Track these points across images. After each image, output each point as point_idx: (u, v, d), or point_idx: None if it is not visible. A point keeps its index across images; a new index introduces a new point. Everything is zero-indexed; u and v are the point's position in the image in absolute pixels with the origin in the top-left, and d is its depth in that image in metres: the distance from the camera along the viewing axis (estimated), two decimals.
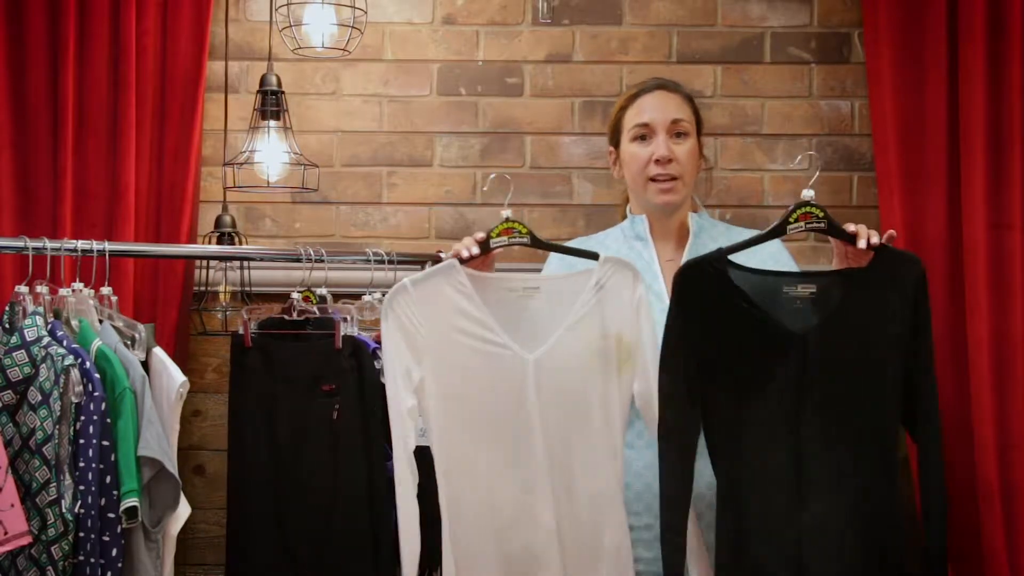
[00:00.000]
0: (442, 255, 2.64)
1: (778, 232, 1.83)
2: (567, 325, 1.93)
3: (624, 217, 2.33)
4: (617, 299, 1.95)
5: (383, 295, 2.44)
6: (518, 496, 1.91)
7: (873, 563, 1.81)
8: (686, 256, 2.16)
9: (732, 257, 1.85)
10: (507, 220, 1.97)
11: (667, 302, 2.11)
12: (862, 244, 1.84)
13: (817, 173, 1.93)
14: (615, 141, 2.26)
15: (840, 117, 2.87)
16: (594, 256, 1.97)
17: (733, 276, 1.81)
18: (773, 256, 2.17)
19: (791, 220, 1.82)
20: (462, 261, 1.94)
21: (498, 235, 1.97)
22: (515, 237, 1.97)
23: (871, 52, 2.71)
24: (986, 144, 2.57)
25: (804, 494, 1.79)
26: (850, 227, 1.88)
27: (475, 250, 1.94)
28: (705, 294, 1.80)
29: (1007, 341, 2.54)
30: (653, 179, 2.17)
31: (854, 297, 1.79)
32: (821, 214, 1.81)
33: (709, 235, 2.20)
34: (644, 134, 2.18)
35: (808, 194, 1.85)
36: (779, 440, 1.80)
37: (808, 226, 1.81)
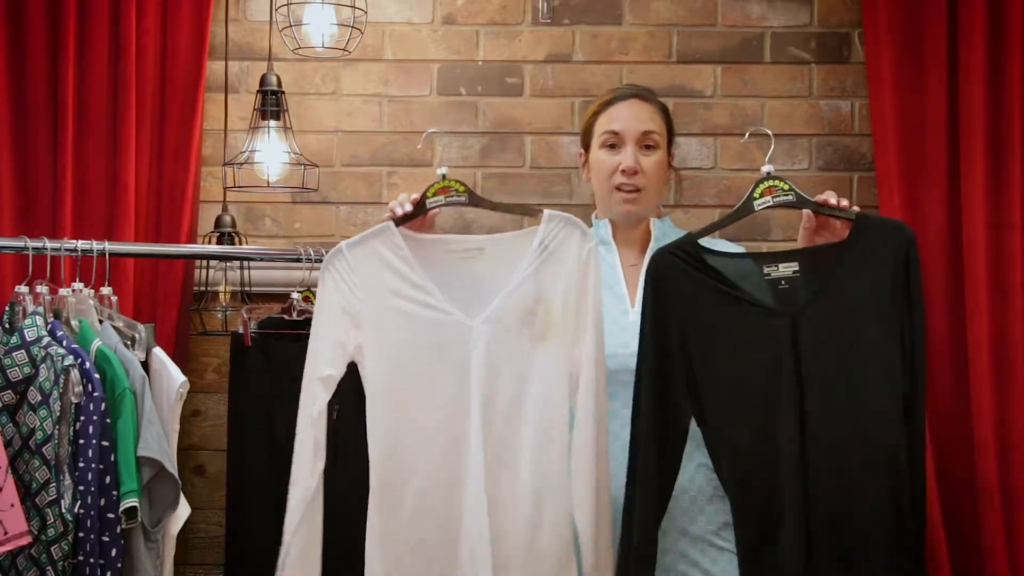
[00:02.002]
0: None
1: (746, 210, 1.76)
2: (509, 288, 1.85)
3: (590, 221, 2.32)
4: (560, 261, 1.86)
5: None
6: (452, 467, 1.84)
7: (882, 536, 1.74)
8: (646, 259, 2.15)
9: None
10: (444, 179, 1.88)
11: (628, 305, 2.12)
12: (832, 200, 1.81)
13: (772, 147, 1.88)
14: (586, 144, 2.27)
15: (840, 117, 2.87)
16: (536, 213, 1.89)
17: (709, 260, 1.74)
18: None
19: (756, 196, 1.76)
20: (397, 222, 1.87)
21: (434, 194, 1.88)
22: (452, 196, 1.88)
23: (871, 52, 2.70)
24: (986, 144, 2.57)
25: (808, 477, 1.73)
26: (818, 197, 1.85)
27: (408, 207, 1.87)
28: (682, 280, 1.73)
29: (1007, 341, 2.54)
30: (618, 188, 2.17)
31: (840, 272, 1.72)
32: (787, 187, 1.75)
33: (670, 240, 2.21)
34: (614, 142, 2.18)
35: (768, 168, 1.80)
36: (779, 427, 1.72)
37: (776, 200, 1.76)
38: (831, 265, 1.71)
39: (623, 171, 2.15)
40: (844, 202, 1.87)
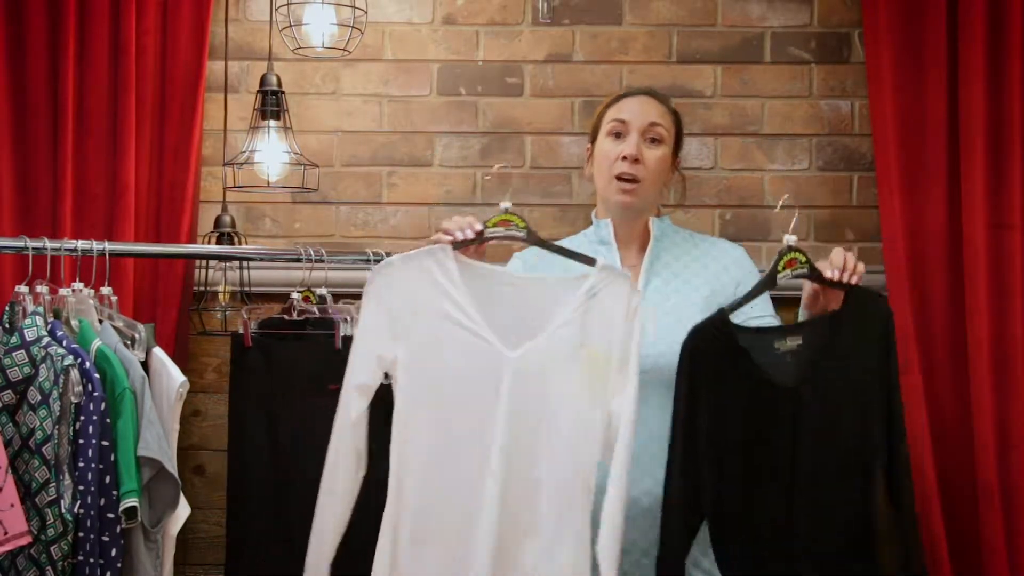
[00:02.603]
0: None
1: (770, 284, 1.87)
2: (552, 328, 1.86)
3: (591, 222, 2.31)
4: (607, 311, 1.87)
5: None
6: (468, 490, 1.83)
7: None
8: (646, 259, 2.15)
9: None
10: (506, 212, 1.90)
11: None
12: (837, 276, 1.88)
13: (796, 216, 1.94)
14: (593, 138, 2.25)
15: (840, 117, 2.87)
16: (591, 261, 1.90)
17: (738, 337, 1.84)
18: (737, 261, 2.18)
19: (780, 269, 1.86)
20: (455, 245, 1.88)
21: (494, 225, 1.89)
22: (512, 230, 1.89)
23: (871, 52, 2.70)
24: (986, 144, 2.57)
25: (795, 532, 1.86)
26: (826, 272, 1.90)
27: (470, 234, 1.88)
28: (718, 361, 1.82)
29: (1007, 341, 2.54)
30: (618, 177, 2.14)
31: (835, 342, 1.86)
32: (804, 259, 1.86)
33: (670, 240, 2.20)
34: (620, 131, 2.16)
35: (790, 239, 1.86)
36: (774, 493, 1.85)
37: (795, 273, 1.86)
38: (829, 335, 1.87)
39: (624, 158, 2.13)
40: (851, 261, 1.90)
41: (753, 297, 1.88)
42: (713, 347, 1.82)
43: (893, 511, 1.88)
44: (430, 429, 1.86)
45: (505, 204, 1.91)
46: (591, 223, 2.25)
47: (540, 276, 1.97)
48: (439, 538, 1.85)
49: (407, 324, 1.85)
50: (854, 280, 1.89)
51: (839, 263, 1.89)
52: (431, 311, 1.85)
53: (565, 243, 2.23)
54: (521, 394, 1.84)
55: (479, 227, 1.89)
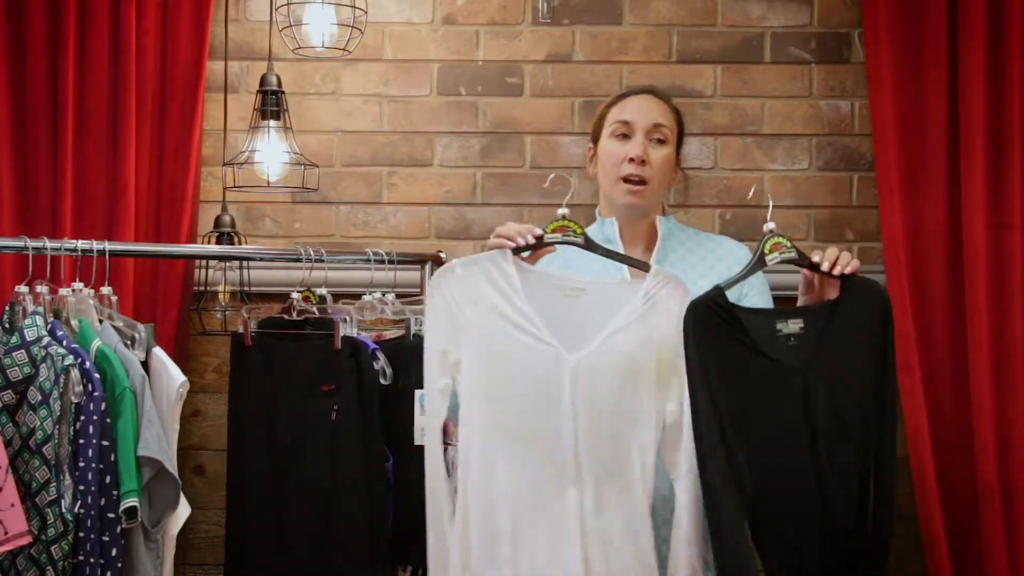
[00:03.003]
0: (442, 255, 2.65)
1: (760, 264, 1.90)
2: (610, 331, 1.90)
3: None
4: (665, 314, 1.91)
5: (383, 295, 2.45)
6: (539, 493, 1.88)
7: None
8: (653, 258, 2.15)
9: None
10: (563, 218, 1.93)
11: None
12: (826, 267, 1.90)
13: (771, 206, 1.94)
14: (595, 138, 2.26)
15: (840, 117, 2.87)
16: (645, 267, 1.94)
17: (737, 314, 1.86)
18: (740, 262, 2.16)
19: (767, 252, 1.90)
20: (515, 251, 1.91)
21: (552, 231, 1.93)
22: (569, 236, 1.93)
23: (871, 52, 2.70)
24: (986, 144, 2.57)
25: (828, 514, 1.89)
26: (815, 256, 1.91)
27: (531, 239, 1.90)
28: (718, 335, 1.84)
29: (1007, 341, 2.55)
30: (624, 179, 2.15)
31: (834, 328, 1.89)
32: (789, 244, 1.90)
33: (677, 239, 2.21)
34: (624, 132, 2.16)
35: (770, 226, 1.90)
36: (801, 473, 1.87)
37: (782, 256, 1.89)
38: (829, 322, 1.90)
39: (631, 159, 2.13)
40: (845, 257, 1.91)
41: (747, 276, 1.90)
42: (714, 319, 1.84)
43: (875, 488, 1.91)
44: (493, 431, 1.89)
45: (562, 211, 1.94)
46: (588, 223, 2.25)
47: (597, 281, 2.00)
48: (512, 535, 1.88)
49: (468, 328, 1.89)
50: (847, 271, 1.90)
51: (831, 255, 1.91)
52: (492, 315, 1.89)
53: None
54: (581, 397, 1.87)
55: (539, 232, 1.92)
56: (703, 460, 1.85)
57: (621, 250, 2.16)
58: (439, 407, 1.91)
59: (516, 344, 1.88)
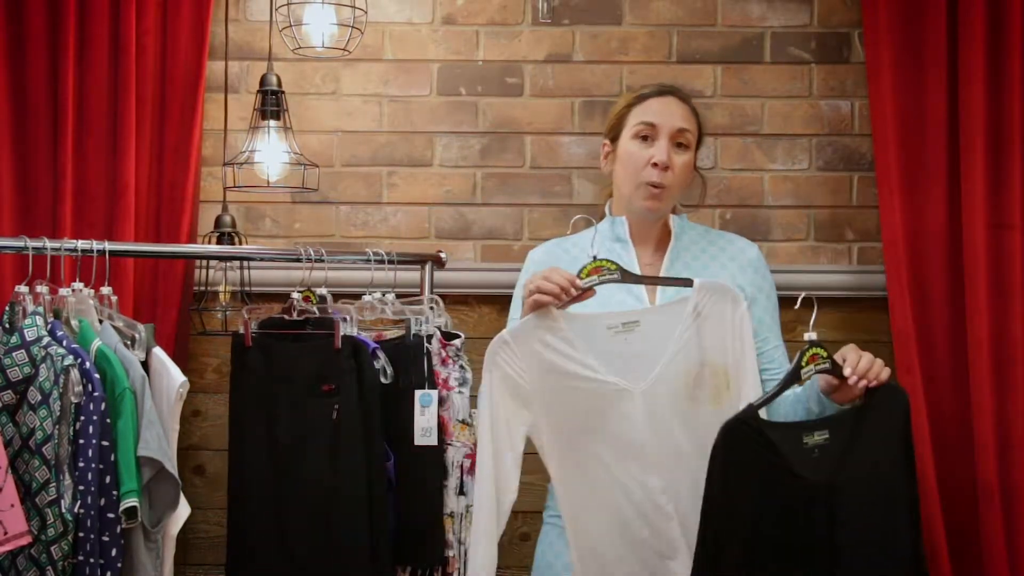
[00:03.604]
0: (442, 255, 2.65)
1: (794, 379, 1.91)
2: (668, 356, 1.93)
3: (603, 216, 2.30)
4: (717, 325, 1.94)
5: (383, 295, 2.45)
6: (641, 533, 1.93)
7: None
8: (667, 258, 2.15)
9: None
10: (595, 259, 1.95)
11: (646, 303, 2.11)
12: (853, 381, 1.89)
13: (815, 312, 1.95)
14: (613, 136, 2.23)
15: (840, 117, 2.87)
16: (688, 283, 1.96)
17: (767, 432, 1.87)
18: (752, 263, 2.17)
19: (803, 364, 1.91)
20: (559, 306, 1.93)
21: (587, 275, 1.95)
22: (604, 275, 1.95)
23: (871, 52, 2.70)
24: (986, 144, 2.57)
25: None
26: (846, 370, 1.90)
27: (574, 293, 1.93)
28: (750, 461, 1.86)
29: (1007, 341, 2.54)
30: (646, 183, 2.13)
31: (860, 437, 1.91)
32: (825, 355, 1.91)
33: (689, 238, 2.20)
34: (647, 134, 2.14)
35: (811, 335, 1.91)
36: None
37: (817, 368, 1.91)
38: (854, 430, 1.91)
39: (655, 164, 2.11)
40: (876, 368, 1.90)
41: (781, 391, 1.91)
42: (745, 447, 1.85)
43: None
44: (586, 482, 1.94)
45: (593, 252, 1.96)
46: (588, 263, 2.24)
47: (643, 310, 2.04)
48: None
49: (533, 391, 1.93)
50: (873, 385, 1.91)
51: (862, 369, 1.89)
52: (552, 372, 1.94)
53: (575, 238, 2.24)
54: (658, 425, 1.92)
55: (580, 284, 1.93)
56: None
57: (631, 249, 2.17)
58: (512, 479, 1.94)
59: (583, 393, 1.92)
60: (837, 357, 1.92)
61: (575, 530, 1.96)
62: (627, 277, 1.97)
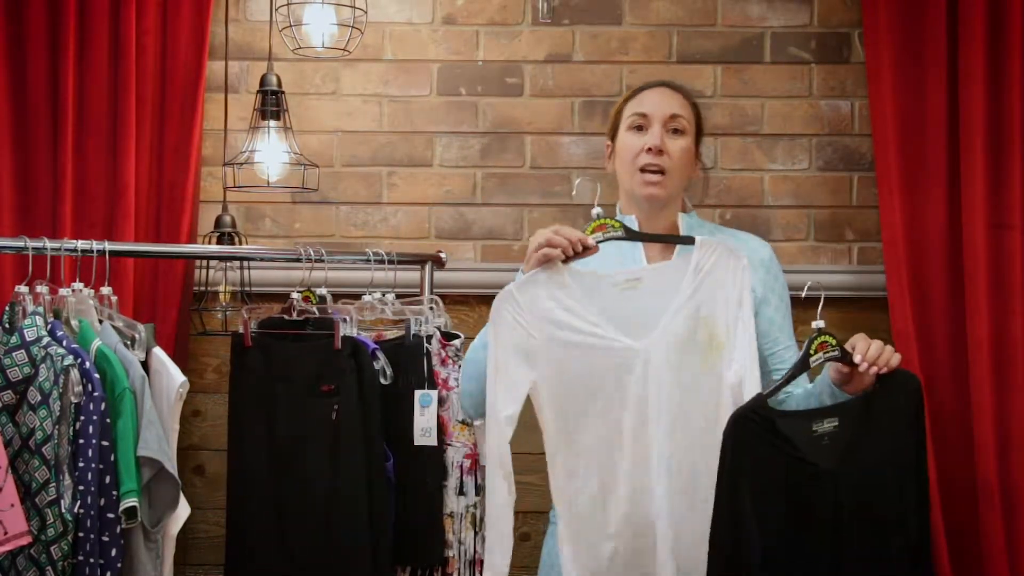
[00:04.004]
0: (442, 255, 2.65)
1: (803, 367, 1.91)
2: (671, 313, 1.94)
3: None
4: (717, 285, 1.95)
5: (383, 295, 2.45)
6: (633, 495, 1.92)
7: None
8: (676, 255, 2.15)
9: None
10: (599, 217, 1.96)
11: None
12: (863, 368, 1.89)
13: (821, 300, 1.94)
14: (613, 134, 2.24)
15: (840, 117, 2.87)
16: (690, 240, 1.97)
17: (777, 421, 1.87)
18: (764, 264, 2.16)
19: (812, 352, 1.90)
20: (566, 260, 1.94)
21: (592, 232, 1.96)
22: (609, 232, 1.96)
23: (871, 52, 2.70)
24: (986, 144, 2.57)
25: None
26: (856, 357, 1.89)
27: (580, 248, 1.93)
28: (759, 450, 1.85)
29: (1007, 341, 2.54)
30: (642, 169, 2.12)
31: (869, 423, 1.90)
32: (834, 342, 1.91)
33: (698, 235, 2.19)
34: (641, 124, 2.14)
35: (819, 323, 1.90)
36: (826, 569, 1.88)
37: (826, 355, 1.91)
38: (863, 418, 1.90)
39: (648, 150, 2.11)
40: (886, 355, 1.90)
41: (790, 380, 1.92)
42: (754, 436, 1.85)
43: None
44: (581, 436, 1.93)
45: (596, 211, 1.97)
46: (592, 221, 2.24)
47: (647, 267, 2.05)
48: (608, 531, 1.93)
49: (537, 346, 1.93)
50: (885, 371, 1.90)
51: (872, 356, 1.89)
52: (558, 327, 1.93)
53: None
54: (662, 379, 1.92)
55: (587, 239, 1.94)
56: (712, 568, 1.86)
57: (640, 246, 2.16)
58: (504, 437, 1.92)
59: (588, 350, 1.92)
60: (847, 345, 1.92)
61: (562, 496, 1.94)
62: (631, 235, 1.99)
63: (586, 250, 1.94)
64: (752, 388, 1.92)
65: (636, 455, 1.92)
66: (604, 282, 1.96)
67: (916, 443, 1.92)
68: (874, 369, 1.89)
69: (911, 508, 1.91)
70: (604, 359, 1.92)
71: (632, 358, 1.92)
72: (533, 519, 2.74)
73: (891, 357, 1.90)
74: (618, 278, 1.97)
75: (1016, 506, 2.52)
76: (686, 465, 1.91)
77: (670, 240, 2.05)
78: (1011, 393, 2.54)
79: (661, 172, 2.12)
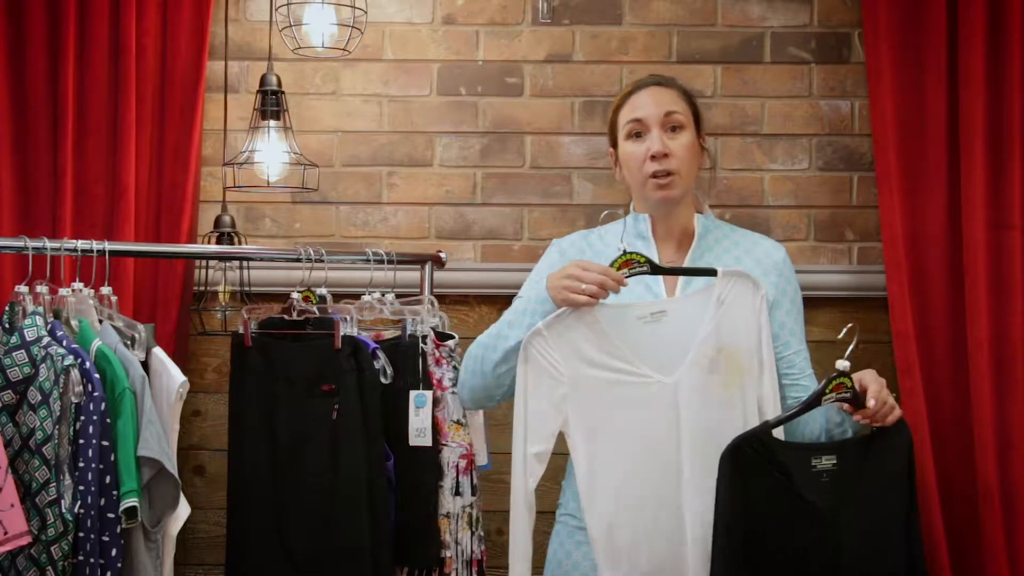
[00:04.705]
0: (442, 255, 2.65)
1: (814, 404, 1.92)
2: (697, 345, 1.96)
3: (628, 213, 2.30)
4: (738, 312, 1.98)
5: (383, 295, 2.45)
6: (669, 523, 1.94)
7: None
8: (689, 257, 2.14)
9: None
10: (625, 253, 1.99)
11: (662, 297, 2.11)
12: (859, 419, 1.93)
13: (854, 341, 1.97)
14: (613, 141, 2.23)
15: (840, 117, 2.87)
16: (712, 272, 1.99)
17: (777, 453, 1.89)
18: (777, 267, 2.15)
19: (826, 392, 1.92)
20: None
21: (618, 268, 1.98)
22: (635, 268, 1.99)
23: (871, 52, 2.70)
24: (986, 144, 2.57)
25: None
26: (871, 402, 1.92)
27: (614, 287, 1.95)
28: (754, 477, 1.87)
29: (1007, 341, 2.54)
30: (651, 176, 2.11)
31: (866, 466, 1.93)
32: (850, 384, 1.93)
33: (714, 237, 2.18)
34: (638, 130, 2.14)
35: (843, 365, 1.92)
36: None
37: (839, 396, 1.92)
38: (861, 458, 1.94)
39: (652, 157, 2.11)
40: (885, 411, 1.94)
41: (799, 414, 1.92)
42: (753, 466, 1.87)
43: None
44: (617, 475, 1.96)
45: (622, 246, 2.00)
46: (588, 224, 2.24)
47: (671, 300, 2.07)
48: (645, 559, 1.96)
49: (568, 384, 1.96)
50: (885, 424, 1.95)
51: (870, 413, 1.92)
52: (587, 364, 1.96)
53: (600, 231, 2.25)
54: (688, 414, 1.94)
55: (626, 282, 1.97)
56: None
57: (653, 246, 2.17)
58: (534, 471, 1.97)
59: (617, 385, 1.95)
60: (858, 382, 1.94)
61: (596, 521, 1.97)
62: (656, 270, 2.01)
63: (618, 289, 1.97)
64: (773, 413, 1.95)
65: (667, 487, 1.94)
66: (630, 315, 1.99)
67: (909, 496, 1.95)
68: (866, 421, 1.94)
69: (900, 560, 1.93)
70: (636, 394, 1.95)
71: (663, 392, 1.95)
72: (537, 520, 2.74)
73: (887, 416, 1.94)
74: (643, 311, 2.00)
75: (1016, 506, 2.52)
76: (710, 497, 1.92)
77: (693, 273, 2.06)
78: (1011, 393, 2.53)
79: (669, 173, 2.11)
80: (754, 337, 1.98)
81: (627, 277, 1.97)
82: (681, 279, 2.12)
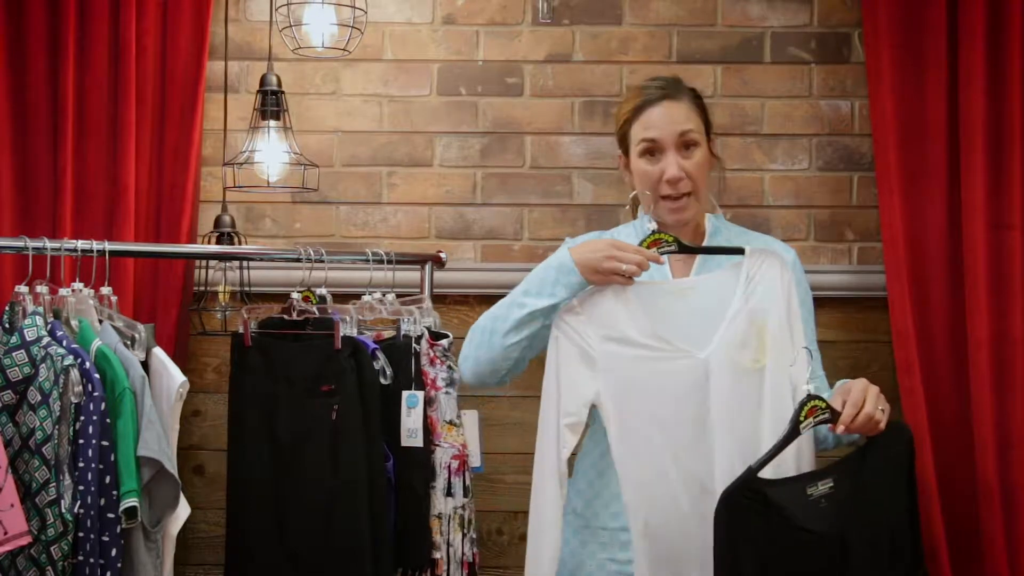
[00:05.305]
0: (442, 255, 2.65)
1: (793, 436, 1.89)
2: (727, 321, 1.97)
3: (635, 212, 2.29)
4: (767, 288, 1.99)
5: (383, 295, 2.45)
6: (698, 498, 1.94)
7: None
8: (698, 259, 2.13)
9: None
10: (654, 232, 2.02)
11: (668, 277, 2.12)
12: (840, 430, 1.90)
13: (812, 360, 1.95)
14: (624, 149, 2.21)
15: (840, 117, 2.87)
16: (740, 251, 2.01)
17: (769, 493, 1.86)
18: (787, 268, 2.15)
19: (802, 419, 1.89)
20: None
21: (647, 246, 2.01)
22: (663, 247, 2.02)
23: (871, 52, 2.70)
24: (986, 144, 2.57)
25: None
26: (840, 428, 1.90)
27: (648, 266, 1.97)
28: (754, 523, 1.86)
29: (1007, 341, 2.54)
30: (664, 197, 2.11)
31: (864, 480, 1.92)
32: (824, 405, 1.91)
33: (724, 238, 2.17)
34: (652, 149, 2.11)
35: (808, 389, 1.90)
36: None
37: (816, 419, 1.91)
38: (857, 476, 1.92)
39: (668, 181, 2.09)
40: (862, 419, 1.90)
41: (777, 453, 1.88)
42: (747, 513, 1.85)
43: None
44: (650, 449, 1.97)
45: (651, 226, 2.03)
46: (587, 224, 2.24)
47: (699, 277, 2.09)
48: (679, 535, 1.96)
49: (601, 357, 1.98)
50: (869, 435, 1.92)
51: (856, 427, 1.90)
52: (620, 341, 1.98)
53: (611, 233, 2.25)
54: (723, 388, 1.95)
55: (661, 259, 2.01)
56: None
57: (665, 259, 2.16)
58: (567, 441, 1.98)
59: (650, 360, 1.97)
60: (841, 392, 1.93)
61: (632, 497, 1.98)
62: (684, 248, 2.04)
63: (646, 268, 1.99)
64: (804, 382, 1.92)
65: (699, 461, 1.95)
66: (659, 291, 2.01)
67: (909, 500, 1.94)
68: (853, 432, 1.92)
69: (908, 553, 1.92)
70: (668, 368, 1.96)
71: (696, 368, 1.95)
72: None
73: (876, 425, 1.90)
74: (672, 287, 2.03)
75: (1016, 506, 2.52)
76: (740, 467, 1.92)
77: (721, 251, 2.07)
78: (1011, 393, 2.53)
79: (684, 195, 2.11)
80: (783, 312, 1.99)
81: (660, 256, 2.00)
82: (695, 266, 2.13)
